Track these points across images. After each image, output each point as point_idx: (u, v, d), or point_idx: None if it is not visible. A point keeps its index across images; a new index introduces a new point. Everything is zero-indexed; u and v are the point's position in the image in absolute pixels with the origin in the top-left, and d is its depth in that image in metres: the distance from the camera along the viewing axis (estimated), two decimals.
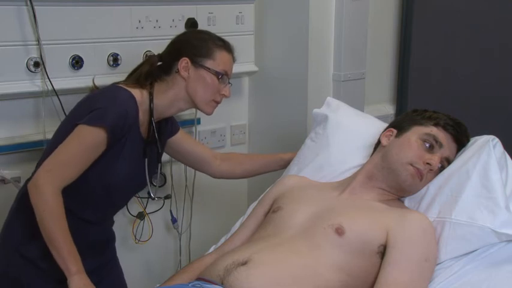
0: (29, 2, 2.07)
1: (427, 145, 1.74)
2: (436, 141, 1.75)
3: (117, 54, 2.30)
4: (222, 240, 1.99)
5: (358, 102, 2.56)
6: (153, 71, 1.91)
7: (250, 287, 1.52)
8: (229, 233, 2.00)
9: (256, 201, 2.02)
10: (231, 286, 1.53)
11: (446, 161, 1.77)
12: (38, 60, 2.13)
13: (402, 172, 1.73)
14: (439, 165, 1.75)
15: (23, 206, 1.80)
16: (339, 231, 1.62)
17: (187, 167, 2.56)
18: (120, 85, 1.88)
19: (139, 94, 1.86)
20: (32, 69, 2.14)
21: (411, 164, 1.73)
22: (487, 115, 2.99)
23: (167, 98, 1.90)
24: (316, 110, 2.19)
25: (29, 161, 2.21)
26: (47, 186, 1.70)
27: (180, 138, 2.11)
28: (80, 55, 2.23)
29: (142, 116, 1.87)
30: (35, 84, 2.16)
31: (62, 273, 1.69)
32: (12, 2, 2.07)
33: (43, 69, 2.14)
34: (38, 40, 2.12)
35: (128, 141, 1.83)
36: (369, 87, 2.72)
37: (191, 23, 2.45)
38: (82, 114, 1.78)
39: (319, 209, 1.74)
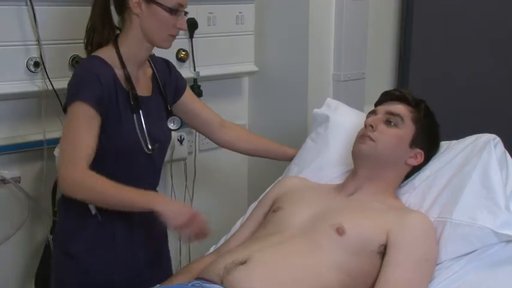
0: (29, 2, 2.07)
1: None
2: (370, 113, 1.86)
3: None
4: (222, 240, 1.99)
5: (358, 102, 2.56)
6: (106, 14, 1.86)
7: (250, 287, 1.52)
8: (229, 233, 2.00)
9: (256, 202, 2.02)
10: (231, 285, 1.52)
11: (390, 114, 1.80)
12: (38, 60, 2.14)
13: (355, 146, 1.81)
14: (384, 119, 1.79)
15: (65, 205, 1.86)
16: (340, 231, 1.62)
17: (187, 167, 2.57)
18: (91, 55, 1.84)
19: (105, 53, 1.81)
20: (32, 69, 2.14)
21: (361, 137, 1.80)
22: (487, 115, 2.99)
23: (131, 41, 1.83)
24: (316, 110, 2.19)
25: (29, 161, 2.22)
26: (72, 175, 1.69)
27: (188, 98, 2.05)
28: (80, 55, 2.23)
29: (122, 71, 1.82)
30: (35, 84, 2.16)
31: (104, 267, 1.80)
32: (12, 2, 2.07)
33: (43, 69, 2.14)
34: (38, 40, 2.12)
35: (119, 102, 1.80)
36: (369, 87, 2.72)
37: (191, 23, 2.46)
38: (67, 96, 1.78)
39: (319, 209, 1.74)
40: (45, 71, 2.14)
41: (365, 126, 1.81)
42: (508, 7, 3.04)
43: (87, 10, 2.21)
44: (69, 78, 1.83)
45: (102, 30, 1.84)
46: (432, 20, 2.90)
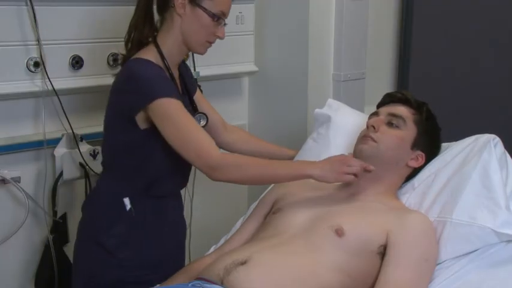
0: (29, 2, 2.07)
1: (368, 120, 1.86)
2: (372, 114, 1.87)
3: (117, 54, 2.29)
4: (222, 240, 1.99)
5: (358, 102, 2.56)
6: (148, 11, 1.85)
7: (250, 287, 1.51)
8: (229, 233, 2.00)
9: (257, 201, 2.02)
10: (231, 286, 1.52)
11: (392, 115, 1.81)
12: (38, 60, 2.13)
13: (357, 146, 1.81)
14: (386, 121, 1.80)
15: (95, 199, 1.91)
16: (339, 233, 1.62)
17: None
18: (133, 58, 1.84)
19: (150, 54, 1.82)
20: (32, 69, 2.14)
21: (363, 137, 1.82)
22: (487, 115, 2.99)
23: (170, 42, 1.85)
24: (318, 110, 2.19)
25: (28, 161, 2.22)
26: (215, 160, 1.70)
27: (198, 99, 2.06)
28: (80, 55, 2.23)
29: (167, 73, 1.84)
30: (35, 84, 2.16)
31: (136, 263, 1.84)
32: (12, 2, 2.07)
33: (43, 69, 2.14)
34: (38, 40, 2.12)
35: None
36: (369, 87, 2.72)
37: None
38: (130, 100, 1.76)
39: (319, 210, 1.74)
40: (45, 71, 2.14)
41: (367, 127, 1.82)
42: (508, 7, 3.04)
43: (87, 10, 2.23)
44: (119, 84, 1.81)
45: (143, 28, 1.86)
46: (432, 20, 2.90)
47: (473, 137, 1.84)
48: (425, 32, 2.88)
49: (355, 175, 1.69)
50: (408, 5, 2.86)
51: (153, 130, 1.76)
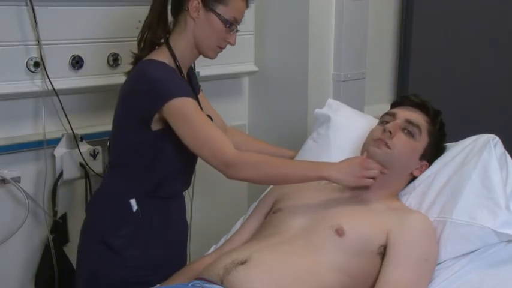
0: (29, 2, 2.07)
1: (382, 121, 1.84)
2: (388, 114, 1.83)
3: (117, 54, 2.30)
4: (222, 240, 1.99)
5: (358, 102, 2.56)
6: (162, 11, 1.86)
7: (250, 287, 1.52)
8: (229, 233, 2.00)
9: (257, 201, 2.02)
10: (231, 285, 1.52)
11: (409, 122, 1.79)
12: (38, 60, 2.13)
13: (370, 148, 1.78)
14: (403, 126, 1.78)
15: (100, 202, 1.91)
16: (339, 233, 1.62)
17: None
18: (147, 59, 1.84)
19: (163, 56, 1.83)
20: (32, 69, 2.14)
21: (374, 140, 1.79)
22: (487, 115, 2.99)
23: (183, 45, 1.86)
24: (318, 110, 2.19)
25: (29, 161, 2.22)
26: (231, 158, 1.70)
27: (201, 100, 2.06)
28: (80, 55, 2.23)
29: (180, 75, 1.86)
30: (35, 84, 2.16)
31: (141, 263, 1.85)
32: (12, 2, 2.07)
33: (43, 69, 2.14)
34: (38, 40, 2.12)
35: None
36: (369, 87, 2.72)
37: None
38: (145, 103, 1.76)
39: (319, 210, 1.74)
40: (45, 71, 2.14)
41: (384, 130, 1.79)
42: (508, 7, 3.04)
43: (87, 10, 2.23)
44: (132, 86, 1.81)
45: (156, 29, 1.86)
46: (432, 20, 2.90)
47: (473, 137, 1.85)
48: (425, 32, 2.88)
49: (374, 178, 1.69)
50: (408, 5, 2.86)
51: (165, 131, 1.77)
